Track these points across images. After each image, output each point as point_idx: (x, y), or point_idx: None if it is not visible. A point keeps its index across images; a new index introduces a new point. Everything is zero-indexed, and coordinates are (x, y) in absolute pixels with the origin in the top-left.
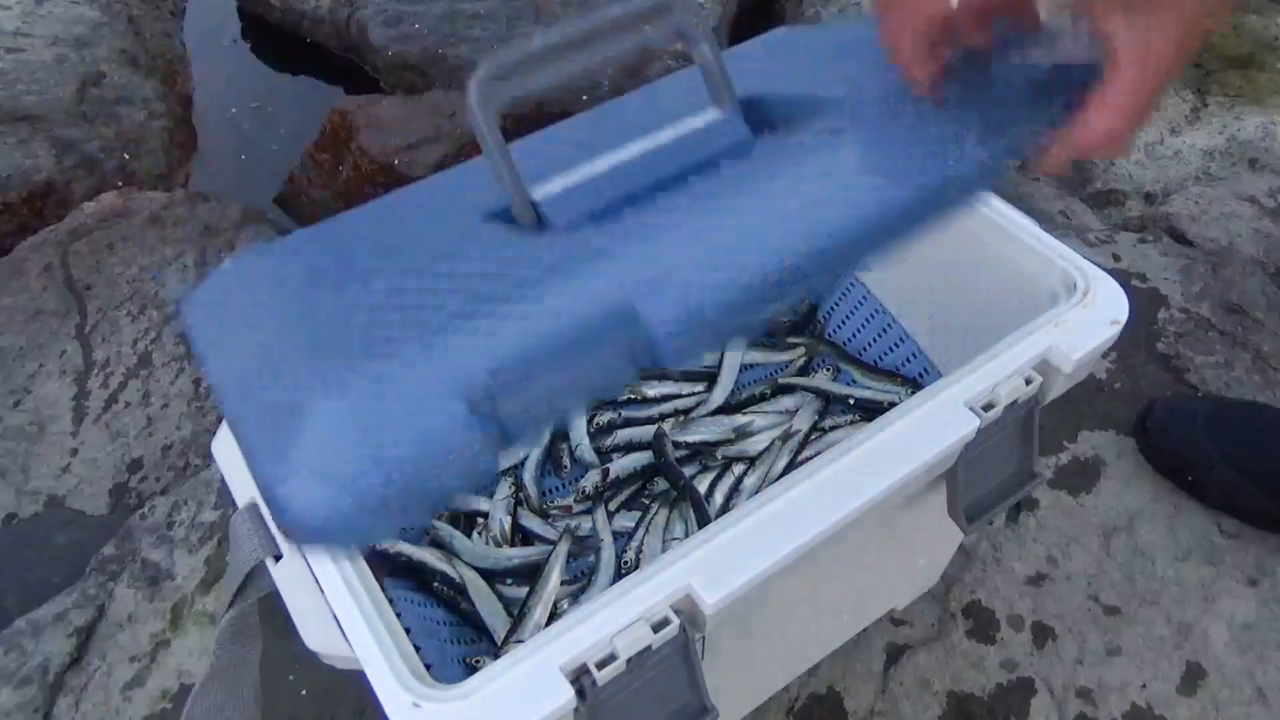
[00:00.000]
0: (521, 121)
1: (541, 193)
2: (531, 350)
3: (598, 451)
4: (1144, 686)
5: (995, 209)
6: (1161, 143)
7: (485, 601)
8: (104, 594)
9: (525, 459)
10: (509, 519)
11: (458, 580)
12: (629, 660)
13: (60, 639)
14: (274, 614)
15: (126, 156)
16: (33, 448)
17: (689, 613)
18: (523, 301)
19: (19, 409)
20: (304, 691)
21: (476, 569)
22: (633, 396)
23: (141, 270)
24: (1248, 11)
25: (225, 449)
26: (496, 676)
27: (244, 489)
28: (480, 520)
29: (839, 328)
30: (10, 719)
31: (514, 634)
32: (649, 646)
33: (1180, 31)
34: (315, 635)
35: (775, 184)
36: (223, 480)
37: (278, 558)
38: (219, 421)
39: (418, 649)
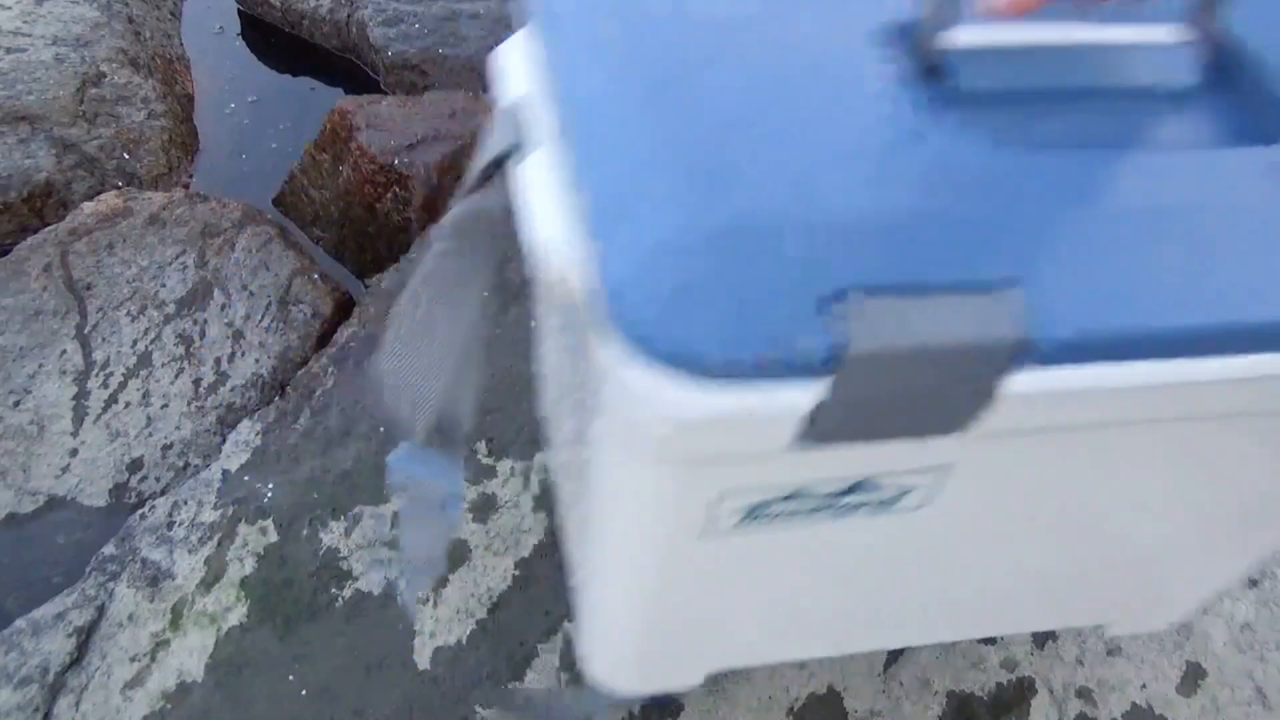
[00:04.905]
0: None
1: (953, 40)
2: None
3: None
4: (1144, 686)
5: None
6: None
7: None
8: (104, 594)
9: None
10: None
11: None
12: None
13: (60, 639)
14: (275, 613)
15: (126, 156)
16: (33, 448)
17: None
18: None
19: (19, 409)
20: (304, 692)
21: None
22: None
23: (141, 270)
24: None
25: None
26: None
27: (517, 85)
28: None
29: None
30: (10, 719)
31: None
32: None
33: None
34: (546, 232)
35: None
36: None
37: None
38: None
39: None
